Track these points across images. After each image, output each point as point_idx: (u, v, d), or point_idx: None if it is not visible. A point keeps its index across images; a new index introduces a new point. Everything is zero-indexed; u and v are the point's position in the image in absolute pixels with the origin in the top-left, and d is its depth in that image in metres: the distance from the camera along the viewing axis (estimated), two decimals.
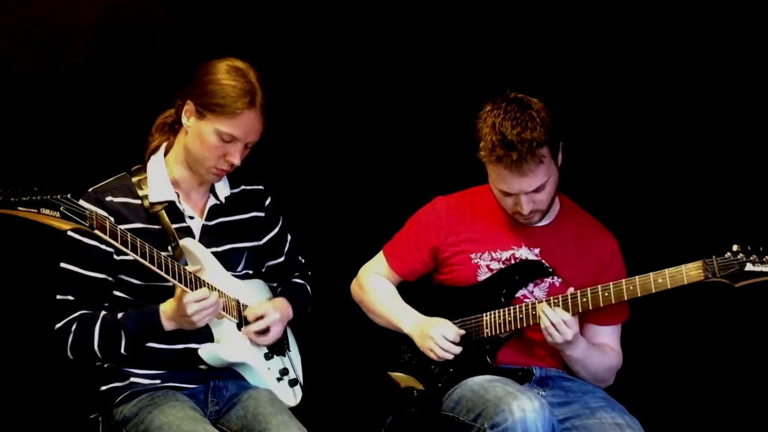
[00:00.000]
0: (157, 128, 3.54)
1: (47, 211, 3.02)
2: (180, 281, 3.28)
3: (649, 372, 4.18)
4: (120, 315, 3.36)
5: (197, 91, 3.39)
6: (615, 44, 4.19)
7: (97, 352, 3.36)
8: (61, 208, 3.04)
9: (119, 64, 4.08)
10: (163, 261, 3.26)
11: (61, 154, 4.03)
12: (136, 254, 3.20)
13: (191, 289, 3.30)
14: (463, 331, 3.61)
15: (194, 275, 3.33)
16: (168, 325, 3.35)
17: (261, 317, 3.53)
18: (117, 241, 3.16)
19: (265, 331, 3.54)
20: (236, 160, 3.41)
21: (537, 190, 3.49)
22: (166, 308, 3.34)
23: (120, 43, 4.06)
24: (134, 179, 3.47)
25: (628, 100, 4.23)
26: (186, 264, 3.37)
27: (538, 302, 3.53)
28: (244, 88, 3.37)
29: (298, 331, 3.78)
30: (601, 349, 3.64)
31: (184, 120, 3.42)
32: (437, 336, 3.59)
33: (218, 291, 3.41)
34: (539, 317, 3.47)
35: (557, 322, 3.44)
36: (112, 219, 3.30)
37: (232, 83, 3.36)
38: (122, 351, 3.35)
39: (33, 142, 3.99)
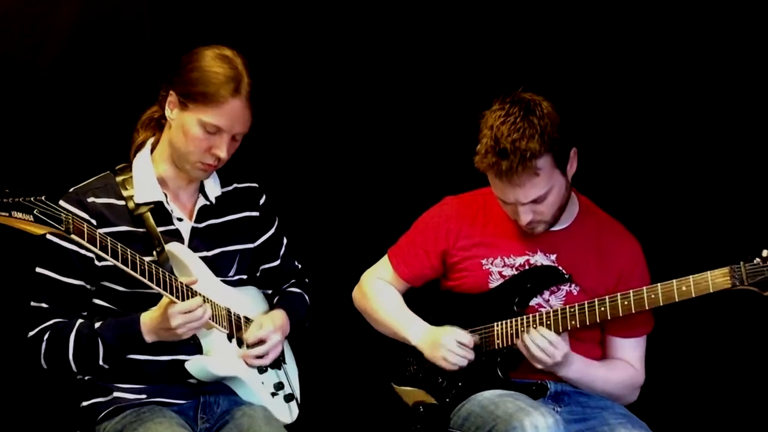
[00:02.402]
0: (143, 124, 3.44)
1: (19, 215, 2.89)
2: (167, 290, 3.16)
3: (671, 387, 4.07)
4: (98, 324, 3.25)
5: (180, 80, 3.28)
6: (644, 42, 4.12)
7: (72, 364, 3.25)
8: (35, 211, 2.92)
9: (102, 55, 3.97)
10: (146, 268, 3.14)
11: (40, 151, 3.93)
12: (117, 260, 3.08)
13: (180, 299, 3.18)
14: (477, 337, 3.51)
15: (185, 285, 3.22)
16: (149, 337, 3.23)
17: (262, 341, 3.41)
18: (96, 247, 3.04)
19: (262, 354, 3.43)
20: (222, 153, 3.28)
21: (536, 201, 3.40)
22: (148, 319, 3.22)
23: (103, 32, 3.96)
24: (118, 179, 3.36)
25: (648, 97, 4.15)
26: (171, 270, 3.26)
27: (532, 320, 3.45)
28: (228, 75, 3.24)
29: (294, 342, 3.67)
30: (610, 365, 3.54)
31: (167, 112, 3.31)
32: (450, 342, 3.48)
33: (208, 299, 3.29)
34: (522, 347, 3.40)
35: (545, 346, 3.36)
36: (94, 222, 3.22)
37: (216, 70, 3.24)
38: (100, 363, 3.24)
39: (9, 138, 3.90)
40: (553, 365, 3.37)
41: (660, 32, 4.09)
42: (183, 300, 3.19)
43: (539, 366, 3.38)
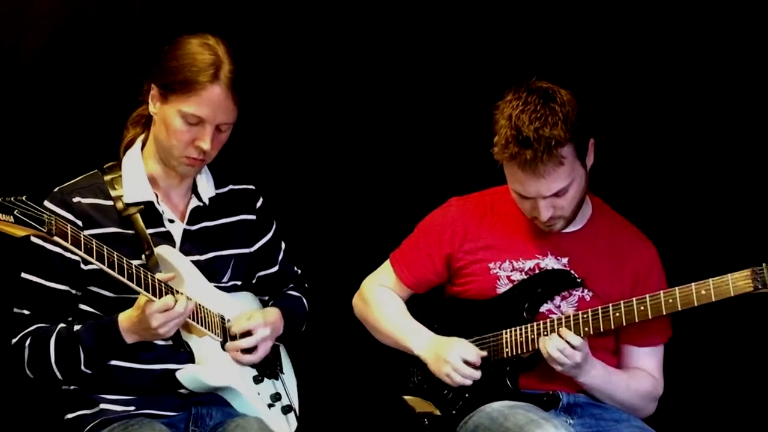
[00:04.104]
0: (133, 121, 3.37)
1: None
2: (147, 290, 3.07)
3: (690, 397, 4.00)
4: (77, 327, 3.17)
5: (160, 71, 3.21)
6: (657, 34, 4.07)
7: (55, 370, 3.17)
8: (15, 212, 2.85)
9: (88, 46, 3.93)
10: (134, 271, 3.05)
11: (24, 148, 3.88)
12: (103, 264, 3.00)
13: (158, 299, 3.11)
14: (484, 353, 3.43)
15: (165, 284, 3.12)
16: (129, 337, 3.14)
17: (248, 333, 3.32)
18: (80, 249, 2.96)
19: (251, 349, 3.33)
20: (206, 145, 3.18)
21: (557, 194, 3.32)
22: (125, 319, 3.13)
23: (89, 22, 3.93)
24: (107, 177, 3.29)
25: (662, 95, 4.10)
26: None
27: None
28: (206, 61, 3.16)
29: (292, 351, 3.60)
30: (630, 374, 3.46)
31: (150, 107, 3.25)
32: (455, 359, 3.39)
33: (199, 305, 3.21)
34: (541, 348, 3.33)
35: (563, 347, 3.27)
36: (80, 223, 3.16)
37: (195, 57, 3.17)
38: (82, 368, 3.15)
39: None
40: (572, 368, 3.28)
41: (682, 25, 4.04)
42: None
43: (559, 368, 3.29)
